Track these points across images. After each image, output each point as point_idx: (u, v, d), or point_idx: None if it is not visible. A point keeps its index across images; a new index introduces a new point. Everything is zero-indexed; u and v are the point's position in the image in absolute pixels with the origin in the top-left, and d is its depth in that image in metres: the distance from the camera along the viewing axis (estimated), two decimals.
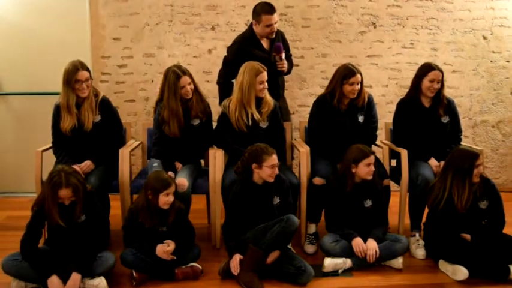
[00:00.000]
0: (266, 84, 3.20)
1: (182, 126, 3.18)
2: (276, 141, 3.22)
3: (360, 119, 3.29)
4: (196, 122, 3.25)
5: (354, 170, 2.96)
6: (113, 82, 4.31)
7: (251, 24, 3.61)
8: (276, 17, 3.51)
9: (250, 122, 3.19)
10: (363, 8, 4.39)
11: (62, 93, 3.12)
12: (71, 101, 3.09)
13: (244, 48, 3.56)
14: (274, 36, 3.60)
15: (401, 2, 4.41)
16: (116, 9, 4.25)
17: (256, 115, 3.19)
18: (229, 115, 3.21)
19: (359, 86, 3.21)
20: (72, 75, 3.05)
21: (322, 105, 3.30)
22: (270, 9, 3.48)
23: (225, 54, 3.76)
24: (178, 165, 3.23)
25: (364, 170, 2.94)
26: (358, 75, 3.19)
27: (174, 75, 3.11)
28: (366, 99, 3.31)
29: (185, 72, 3.16)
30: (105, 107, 3.24)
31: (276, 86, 3.65)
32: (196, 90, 3.23)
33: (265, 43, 3.62)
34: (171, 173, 3.03)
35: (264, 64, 3.25)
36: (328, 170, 3.18)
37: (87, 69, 3.15)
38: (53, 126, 3.20)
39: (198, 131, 3.26)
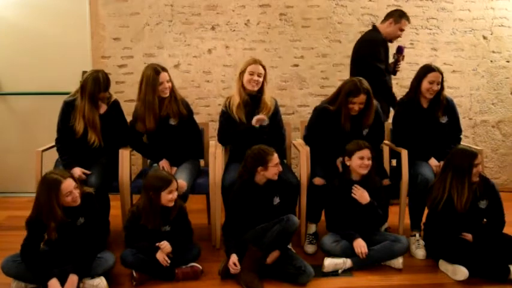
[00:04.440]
0: (256, 77, 3.16)
1: (157, 121, 3.16)
2: (276, 139, 3.22)
3: (365, 132, 3.23)
4: (173, 122, 3.22)
5: (348, 163, 2.99)
6: (113, 82, 4.27)
7: (374, 26, 3.92)
8: None
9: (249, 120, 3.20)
10: (363, 8, 4.39)
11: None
12: None
13: (384, 46, 3.85)
14: (393, 41, 3.98)
15: (401, 2, 4.40)
16: (116, 9, 4.25)
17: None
18: (231, 112, 3.20)
19: (362, 105, 3.11)
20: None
21: (323, 116, 3.21)
22: (408, 17, 3.89)
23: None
24: (172, 168, 3.21)
25: (357, 162, 2.95)
26: (362, 96, 3.07)
27: (153, 71, 3.11)
28: (373, 116, 3.21)
29: (165, 69, 3.18)
30: (114, 109, 3.26)
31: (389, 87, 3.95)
32: (172, 90, 3.21)
33: None
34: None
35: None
36: (328, 170, 3.17)
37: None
38: (61, 123, 3.17)
39: (177, 130, 3.23)
